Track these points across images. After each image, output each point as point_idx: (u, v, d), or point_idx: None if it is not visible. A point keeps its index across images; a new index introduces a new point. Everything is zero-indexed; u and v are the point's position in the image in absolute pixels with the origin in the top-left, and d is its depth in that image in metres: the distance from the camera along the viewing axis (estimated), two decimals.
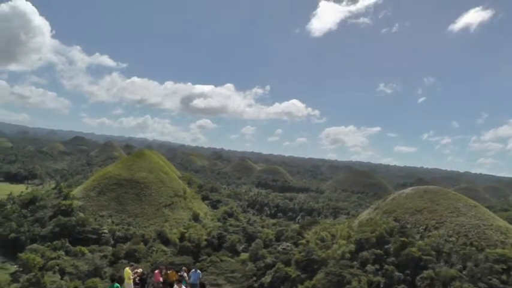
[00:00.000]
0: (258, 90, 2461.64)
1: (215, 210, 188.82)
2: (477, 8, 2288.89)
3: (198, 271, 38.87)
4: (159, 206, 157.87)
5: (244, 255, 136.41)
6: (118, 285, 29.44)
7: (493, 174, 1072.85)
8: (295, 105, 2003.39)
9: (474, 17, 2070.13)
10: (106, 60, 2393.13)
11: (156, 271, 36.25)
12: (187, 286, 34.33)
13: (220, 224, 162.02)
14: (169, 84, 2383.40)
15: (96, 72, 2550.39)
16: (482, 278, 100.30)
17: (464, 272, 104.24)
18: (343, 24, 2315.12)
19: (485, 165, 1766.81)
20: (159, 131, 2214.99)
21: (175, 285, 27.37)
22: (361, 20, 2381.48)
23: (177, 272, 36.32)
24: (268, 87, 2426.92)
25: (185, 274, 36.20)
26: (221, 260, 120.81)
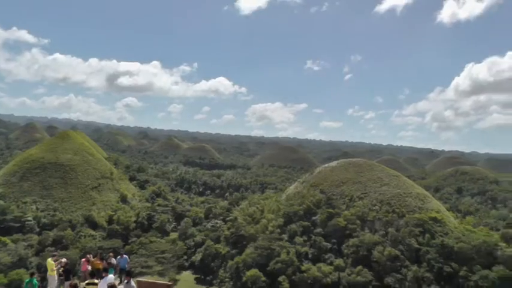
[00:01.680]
0: (185, 68, 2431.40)
1: (143, 191, 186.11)
2: None
3: (125, 256, 37.52)
4: (86, 188, 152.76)
5: (173, 235, 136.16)
6: (35, 280, 28.37)
7: (413, 145, 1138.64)
8: (222, 83, 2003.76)
9: None
10: (25, 36, 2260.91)
11: (83, 259, 34.74)
12: (116, 273, 33.27)
13: (148, 204, 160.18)
14: (93, 61, 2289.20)
15: (14, 48, 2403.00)
16: (403, 241, 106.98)
17: (386, 237, 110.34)
18: (273, 2, 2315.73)
19: (406, 138, 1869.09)
20: (83, 110, 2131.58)
21: (103, 274, 25.09)
22: None
23: (102, 259, 34.27)
24: (195, 65, 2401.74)
25: (113, 260, 34.85)
26: (151, 241, 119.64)
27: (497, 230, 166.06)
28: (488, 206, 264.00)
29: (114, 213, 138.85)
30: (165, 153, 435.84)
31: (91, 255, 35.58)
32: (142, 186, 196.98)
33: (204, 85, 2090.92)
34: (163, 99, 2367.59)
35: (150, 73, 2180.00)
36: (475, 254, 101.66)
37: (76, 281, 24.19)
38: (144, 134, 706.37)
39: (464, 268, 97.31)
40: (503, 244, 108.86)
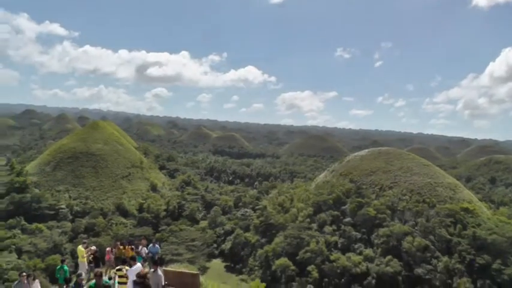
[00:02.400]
0: (215, 57, 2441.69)
1: (173, 180, 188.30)
2: None
3: (157, 245, 36.81)
4: (116, 178, 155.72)
5: (203, 223, 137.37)
6: (66, 267, 28.97)
7: (444, 134, 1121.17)
8: (251, 72, 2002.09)
9: None
10: (57, 29, 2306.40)
11: (108, 248, 34.99)
12: (146, 261, 33.18)
13: (178, 193, 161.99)
14: (123, 52, 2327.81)
15: (47, 41, 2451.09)
16: (433, 232, 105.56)
17: (416, 228, 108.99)
18: None
19: (437, 126, 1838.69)
20: (113, 101, 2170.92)
21: (131, 263, 24.39)
22: None
23: (133, 247, 34.33)
24: (225, 54, 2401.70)
25: (144, 249, 34.97)
26: (181, 229, 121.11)
27: None
28: None
29: (144, 201, 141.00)
30: (195, 142, 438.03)
31: (117, 243, 35.49)
32: (172, 175, 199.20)
33: (233, 74, 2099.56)
34: (192, 89, 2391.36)
35: (179, 63, 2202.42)
36: (510, 246, 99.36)
37: (102, 270, 24.59)
38: (173, 124, 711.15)
39: (498, 261, 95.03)
40: None
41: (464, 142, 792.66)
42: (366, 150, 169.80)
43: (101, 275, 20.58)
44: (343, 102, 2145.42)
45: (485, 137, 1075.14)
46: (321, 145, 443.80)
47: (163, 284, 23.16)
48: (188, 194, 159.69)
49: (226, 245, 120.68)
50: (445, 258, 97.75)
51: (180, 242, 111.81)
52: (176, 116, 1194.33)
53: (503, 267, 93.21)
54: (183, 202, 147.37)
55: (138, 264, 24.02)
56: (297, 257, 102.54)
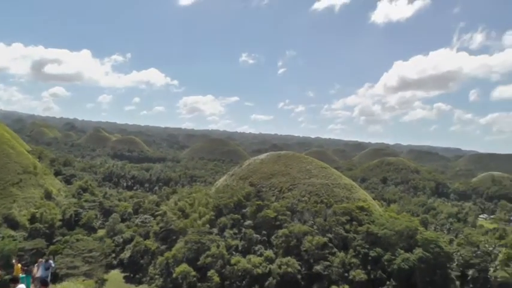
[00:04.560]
0: (118, 58, 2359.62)
1: (69, 186, 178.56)
2: None
3: (50, 261, 32.56)
4: (6, 185, 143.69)
5: (101, 232, 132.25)
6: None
7: (341, 138, 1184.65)
8: (154, 74, 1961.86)
9: None
10: None
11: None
12: (33, 282, 29.05)
13: (75, 200, 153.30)
14: (18, 46, 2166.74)
15: None
16: (330, 230, 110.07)
17: (315, 227, 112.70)
18: None
19: (335, 131, 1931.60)
20: (4, 99, 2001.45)
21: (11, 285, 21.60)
22: None
23: (26, 265, 30.79)
24: (128, 55, 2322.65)
25: (42, 266, 30.88)
26: (77, 240, 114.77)
27: (418, 215, 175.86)
28: (410, 193, 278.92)
29: (37, 210, 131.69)
30: (93, 145, 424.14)
31: (15, 260, 31.83)
32: (68, 181, 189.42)
33: (135, 76, 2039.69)
34: (92, 89, 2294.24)
35: (80, 61, 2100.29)
36: (398, 239, 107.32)
37: None
38: (71, 126, 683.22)
39: (388, 253, 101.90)
40: (422, 228, 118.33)
41: (359, 146, 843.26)
42: (266, 154, 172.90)
43: None
44: (245, 107, 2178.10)
45: (378, 141, 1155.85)
46: (221, 149, 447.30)
47: None
48: (85, 201, 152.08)
49: (126, 254, 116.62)
50: (342, 254, 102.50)
51: (76, 254, 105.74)
52: (74, 117, 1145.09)
53: (393, 258, 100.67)
54: (80, 210, 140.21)
55: (20, 286, 21.66)
56: (198, 262, 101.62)
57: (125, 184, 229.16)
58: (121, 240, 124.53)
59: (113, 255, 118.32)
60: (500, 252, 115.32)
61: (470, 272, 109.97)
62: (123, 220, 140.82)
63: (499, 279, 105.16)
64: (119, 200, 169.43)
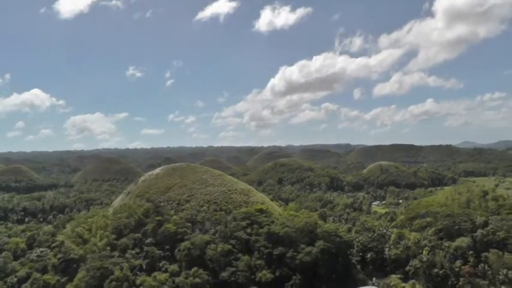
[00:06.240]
0: None
1: None
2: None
3: None
4: None
5: None
6: None
7: (233, 145, 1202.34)
8: (37, 95, 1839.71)
9: (223, 7, 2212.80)
10: None
11: None
12: None
13: None
14: None
15: None
16: (232, 235, 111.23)
17: (217, 235, 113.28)
18: (95, 6, 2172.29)
19: (227, 138, 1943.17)
20: None
21: None
22: (114, 3, 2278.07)
23: None
24: (8, 76, 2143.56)
25: None
26: None
27: (316, 210, 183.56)
28: (307, 191, 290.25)
29: None
30: None
31: None
32: None
33: (16, 99, 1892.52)
34: None
35: None
36: (299, 235, 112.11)
37: None
38: None
39: (291, 250, 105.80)
40: (321, 222, 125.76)
41: (252, 150, 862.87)
42: (160, 168, 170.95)
43: None
44: (135, 123, 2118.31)
45: (271, 144, 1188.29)
46: (114, 168, 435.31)
47: None
48: None
49: None
50: (246, 257, 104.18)
51: None
52: None
53: (295, 254, 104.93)
54: None
55: None
56: None
57: (15, 218, 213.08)
58: (15, 280, 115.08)
59: None
60: (392, 233, 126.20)
61: (368, 255, 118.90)
62: (15, 258, 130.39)
63: (392, 257, 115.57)
64: (9, 236, 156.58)
